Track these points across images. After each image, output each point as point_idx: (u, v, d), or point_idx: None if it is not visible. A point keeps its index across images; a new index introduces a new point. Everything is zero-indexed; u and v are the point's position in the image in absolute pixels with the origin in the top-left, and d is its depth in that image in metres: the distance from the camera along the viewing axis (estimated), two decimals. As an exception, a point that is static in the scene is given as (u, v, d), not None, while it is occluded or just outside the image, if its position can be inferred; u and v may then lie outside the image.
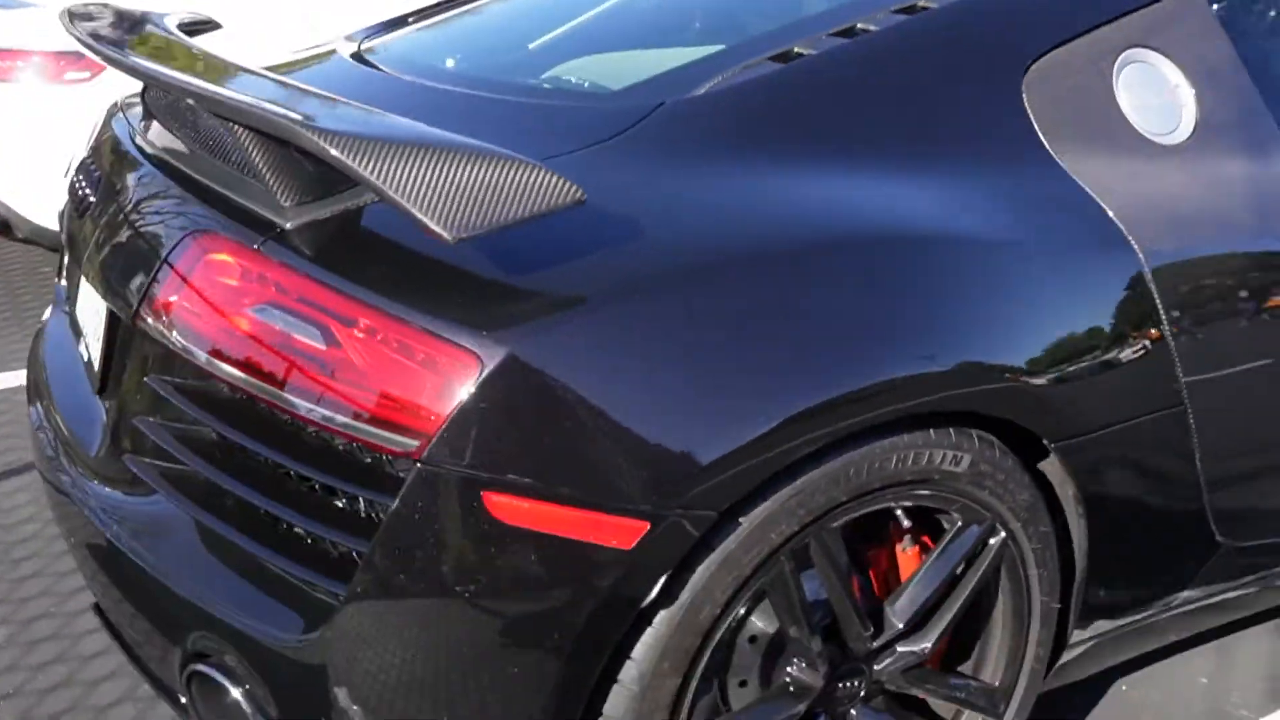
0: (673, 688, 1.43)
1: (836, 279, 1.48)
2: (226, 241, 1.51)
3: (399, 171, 1.26)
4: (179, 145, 1.78)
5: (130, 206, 1.79)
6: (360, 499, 1.37)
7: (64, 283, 2.27)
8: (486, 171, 1.29)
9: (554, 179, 1.31)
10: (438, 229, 1.26)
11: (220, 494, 1.52)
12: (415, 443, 1.31)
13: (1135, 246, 1.71)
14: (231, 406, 1.49)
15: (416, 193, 1.26)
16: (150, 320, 1.57)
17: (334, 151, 1.26)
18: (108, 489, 1.68)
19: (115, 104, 2.31)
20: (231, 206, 1.57)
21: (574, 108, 1.79)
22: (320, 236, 1.46)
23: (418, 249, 1.42)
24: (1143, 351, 1.70)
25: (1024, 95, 1.77)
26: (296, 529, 1.44)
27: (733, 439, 1.36)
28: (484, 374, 1.29)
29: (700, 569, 1.39)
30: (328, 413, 1.35)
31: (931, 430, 1.51)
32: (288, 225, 1.47)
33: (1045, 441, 1.62)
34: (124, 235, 1.76)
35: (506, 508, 1.31)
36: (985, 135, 1.75)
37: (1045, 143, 1.76)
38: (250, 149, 1.46)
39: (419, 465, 1.31)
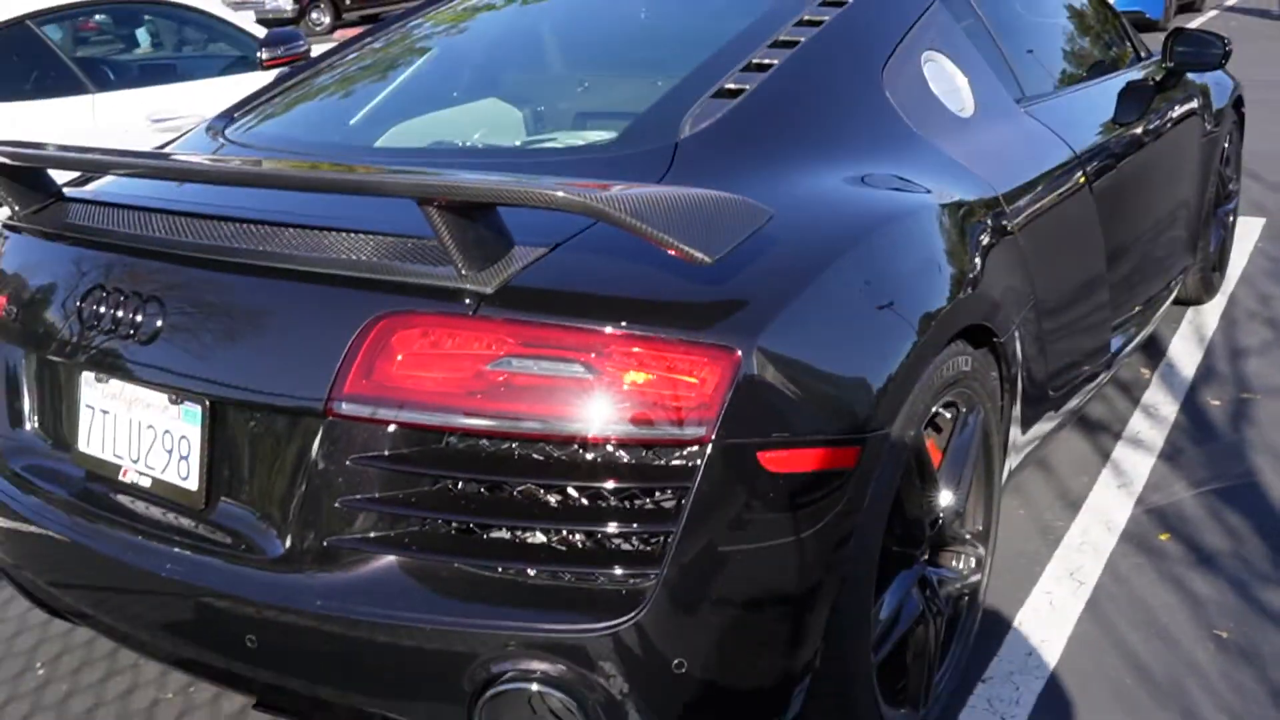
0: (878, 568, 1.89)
1: (900, 245, 1.98)
2: (431, 316, 1.70)
3: (655, 216, 1.58)
4: (241, 241, 1.89)
5: (216, 306, 1.87)
6: (655, 491, 1.65)
7: (33, 427, 2.18)
8: (712, 206, 1.64)
9: (754, 203, 1.69)
10: (700, 255, 1.59)
11: (468, 536, 1.70)
12: (703, 430, 1.63)
13: (987, 183, 2.39)
14: (476, 457, 1.68)
15: (674, 229, 1.58)
16: (353, 406, 1.71)
17: (608, 210, 1.55)
18: (309, 576, 1.75)
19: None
20: (382, 284, 1.74)
21: (584, 159, 2.11)
22: (525, 290, 1.70)
23: (626, 278, 1.72)
24: (1012, 258, 2.38)
25: (886, 93, 2.38)
26: (572, 541, 1.67)
27: (887, 371, 1.83)
28: (744, 363, 1.65)
29: (879, 473, 1.84)
30: (610, 429, 1.63)
31: (958, 341, 2.07)
32: (488, 290, 1.69)
33: (997, 338, 2.24)
34: (227, 336, 1.84)
35: (775, 460, 1.68)
36: (882, 126, 2.33)
37: (911, 126, 2.37)
38: (433, 224, 1.66)
39: (711, 446, 1.63)
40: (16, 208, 2.25)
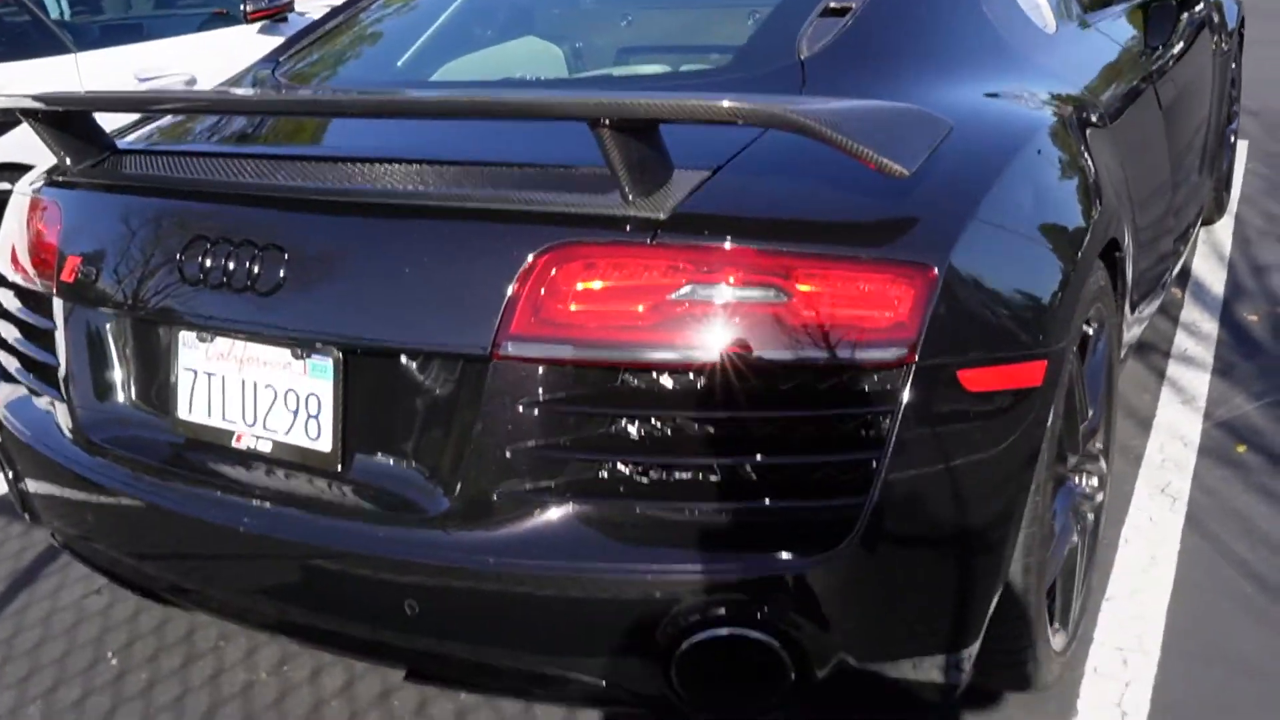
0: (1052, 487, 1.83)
1: (1049, 158, 1.91)
2: (603, 246, 1.58)
3: (852, 128, 1.48)
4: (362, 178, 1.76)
5: (334, 249, 1.74)
6: (857, 417, 1.56)
7: (123, 396, 2.01)
8: (897, 118, 1.56)
9: (935, 115, 1.60)
10: (898, 167, 1.50)
11: (652, 477, 1.60)
12: (904, 351, 1.55)
13: (1080, 84, 2.34)
14: (658, 393, 1.58)
15: (870, 142, 1.49)
16: (522, 347, 1.59)
17: (811, 124, 1.45)
18: (480, 532, 1.64)
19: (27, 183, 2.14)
20: (539, 216, 1.62)
21: (713, 82, 2.00)
22: (699, 215, 1.59)
23: (802, 197, 1.63)
24: (1118, 170, 2.33)
25: (984, 9, 2.31)
26: (769, 475, 1.57)
27: (1059, 284, 1.76)
28: (940, 280, 1.57)
29: (1057, 389, 1.78)
30: (806, 355, 1.54)
31: (1103, 259, 2.01)
32: (662, 216, 1.58)
33: (1118, 251, 2.19)
34: (358, 281, 1.70)
35: (973, 379, 1.61)
36: (985, 41, 2.26)
37: (1010, 42, 2.31)
38: (606, 148, 1.55)
39: (913, 368, 1.55)
40: (68, 161, 2.08)
